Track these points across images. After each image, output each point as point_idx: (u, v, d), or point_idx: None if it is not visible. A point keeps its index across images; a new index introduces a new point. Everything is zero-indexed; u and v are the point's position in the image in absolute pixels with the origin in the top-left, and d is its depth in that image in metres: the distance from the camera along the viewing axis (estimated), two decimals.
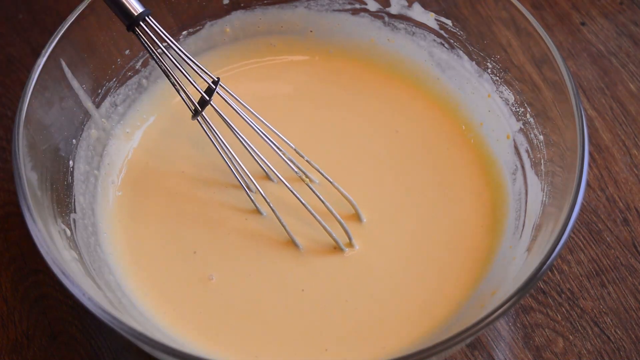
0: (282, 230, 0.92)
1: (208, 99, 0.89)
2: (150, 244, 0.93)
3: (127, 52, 1.00)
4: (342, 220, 0.91)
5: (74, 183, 0.93)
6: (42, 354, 0.91)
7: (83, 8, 0.93)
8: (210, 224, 0.94)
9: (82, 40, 0.94)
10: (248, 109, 0.92)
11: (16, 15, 1.16)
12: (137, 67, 1.01)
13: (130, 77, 1.01)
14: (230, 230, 0.93)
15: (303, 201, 0.90)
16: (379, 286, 0.90)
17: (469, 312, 0.86)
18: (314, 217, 0.90)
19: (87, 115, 0.96)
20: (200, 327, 0.88)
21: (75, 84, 0.94)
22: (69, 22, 0.92)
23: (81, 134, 0.95)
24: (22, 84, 1.02)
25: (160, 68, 0.89)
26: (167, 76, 0.89)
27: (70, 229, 0.88)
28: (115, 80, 0.99)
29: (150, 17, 0.87)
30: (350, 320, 0.88)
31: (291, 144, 0.93)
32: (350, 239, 0.92)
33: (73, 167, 0.93)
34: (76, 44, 0.93)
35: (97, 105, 0.98)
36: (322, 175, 0.93)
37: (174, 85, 0.90)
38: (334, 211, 0.90)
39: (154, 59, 0.89)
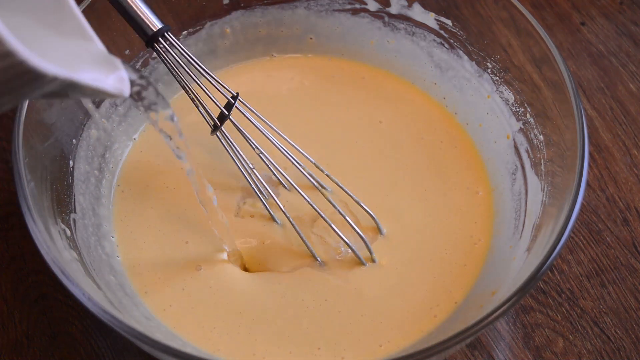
0: (272, 231, 0.93)
1: (227, 113, 0.89)
2: (151, 242, 0.93)
3: (127, 52, 1.00)
4: (361, 233, 0.90)
5: (74, 183, 0.93)
6: (42, 354, 0.91)
7: (83, 8, 0.92)
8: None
9: None
10: (267, 123, 0.92)
11: None
12: (137, 67, 1.01)
13: None
14: (237, 231, 0.94)
15: (322, 214, 0.89)
16: (377, 285, 0.90)
17: (469, 312, 0.86)
18: (333, 229, 0.89)
19: (87, 115, 0.96)
20: (200, 325, 0.88)
21: None
22: None
23: (81, 134, 0.95)
24: None
25: (180, 83, 0.89)
26: (186, 91, 0.89)
27: (70, 229, 0.88)
28: None
29: (169, 32, 0.87)
30: (346, 318, 0.88)
31: (311, 158, 0.93)
32: (370, 252, 0.91)
33: (73, 167, 0.93)
34: None
35: (97, 105, 0.98)
36: (345, 191, 0.92)
37: (192, 100, 0.90)
38: (353, 224, 0.90)
39: (173, 74, 0.89)
